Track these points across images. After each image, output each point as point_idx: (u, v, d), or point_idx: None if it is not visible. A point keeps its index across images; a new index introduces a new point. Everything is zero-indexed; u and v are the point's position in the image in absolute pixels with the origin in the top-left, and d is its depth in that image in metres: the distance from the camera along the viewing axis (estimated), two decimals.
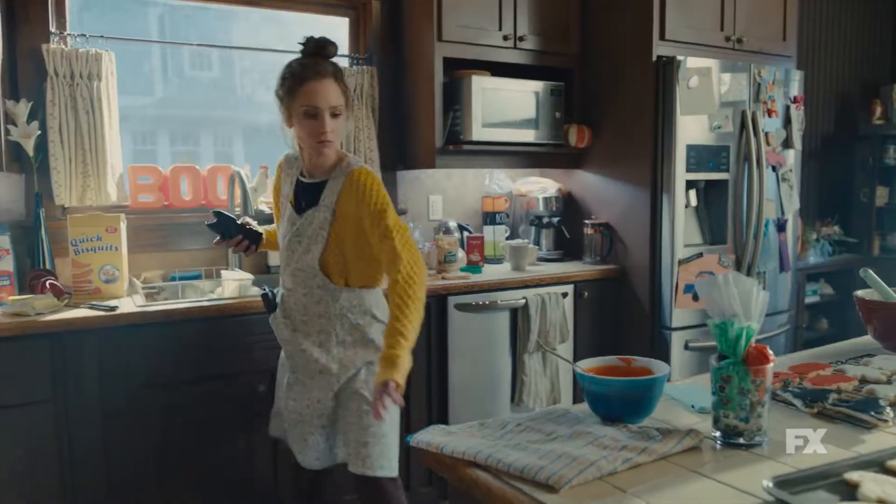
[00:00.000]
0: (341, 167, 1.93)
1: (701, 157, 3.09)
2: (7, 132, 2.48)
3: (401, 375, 1.66)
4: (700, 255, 3.11)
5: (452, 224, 3.35)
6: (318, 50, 1.89)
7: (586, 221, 3.35)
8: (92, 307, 2.30)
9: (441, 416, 2.87)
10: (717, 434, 1.08)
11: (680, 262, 3.07)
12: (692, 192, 3.14)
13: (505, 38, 3.16)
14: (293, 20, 3.32)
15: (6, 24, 2.53)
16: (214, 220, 2.12)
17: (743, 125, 3.16)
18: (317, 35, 1.90)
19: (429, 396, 2.83)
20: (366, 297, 1.96)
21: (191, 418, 2.37)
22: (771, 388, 1.06)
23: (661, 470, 0.99)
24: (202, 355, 2.37)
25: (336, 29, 3.37)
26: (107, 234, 2.49)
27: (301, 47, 1.90)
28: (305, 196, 1.96)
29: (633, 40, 3.15)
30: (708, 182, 3.18)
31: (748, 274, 3.21)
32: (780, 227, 3.36)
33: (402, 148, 3.31)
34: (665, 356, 3.09)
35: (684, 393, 1.30)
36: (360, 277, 1.94)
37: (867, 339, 1.75)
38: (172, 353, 2.33)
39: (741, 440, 1.05)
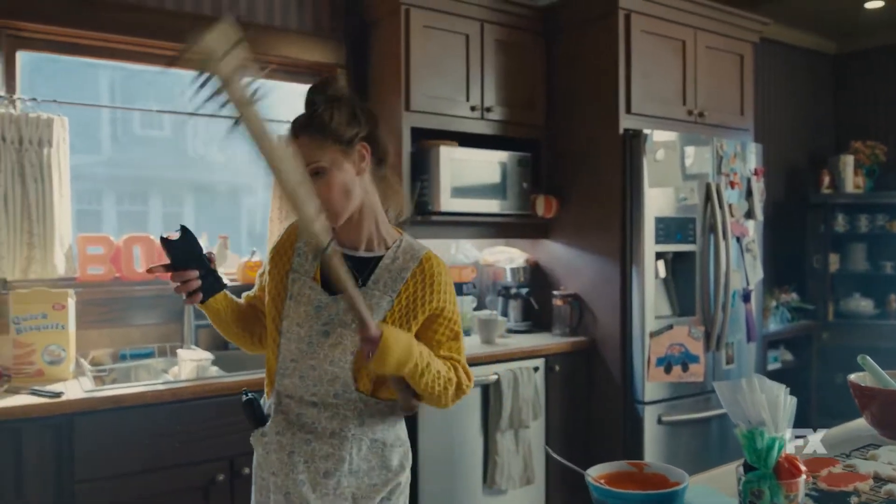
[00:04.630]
0: (402, 246, 1.55)
1: (669, 228, 3.09)
2: None
3: (399, 347, 1.37)
4: (670, 326, 3.08)
5: None
6: (307, 113, 1.48)
7: (555, 292, 3.30)
8: (34, 393, 2.11)
9: (412, 492, 2.71)
10: None
11: (651, 335, 3.03)
12: (661, 263, 3.13)
13: (472, 108, 3.14)
14: None
15: None
16: (176, 238, 1.44)
17: (708, 197, 3.20)
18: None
19: None
20: (395, 410, 1.54)
21: None
22: (802, 499, 0.99)
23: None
24: (155, 444, 2.19)
25: (300, 96, 3.30)
26: (53, 312, 2.31)
27: None
28: None
29: (599, 113, 3.18)
30: (675, 253, 3.18)
31: (717, 346, 3.20)
32: (746, 297, 3.37)
33: None
34: (638, 431, 3.02)
35: (699, 498, 1.21)
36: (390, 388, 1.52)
37: (861, 424, 1.71)
38: (122, 442, 2.14)
39: None
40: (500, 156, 3.20)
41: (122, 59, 2.85)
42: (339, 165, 1.45)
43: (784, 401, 0.99)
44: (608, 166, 3.12)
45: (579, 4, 3.29)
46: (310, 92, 1.50)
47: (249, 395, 1.56)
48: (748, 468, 1.00)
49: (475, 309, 3.34)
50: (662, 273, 3.16)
